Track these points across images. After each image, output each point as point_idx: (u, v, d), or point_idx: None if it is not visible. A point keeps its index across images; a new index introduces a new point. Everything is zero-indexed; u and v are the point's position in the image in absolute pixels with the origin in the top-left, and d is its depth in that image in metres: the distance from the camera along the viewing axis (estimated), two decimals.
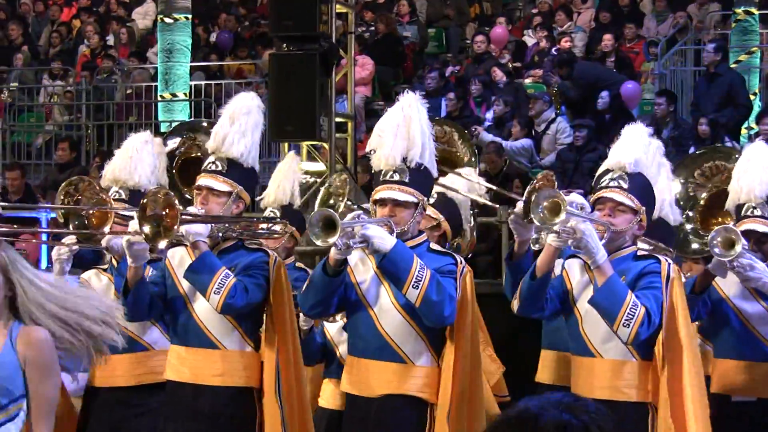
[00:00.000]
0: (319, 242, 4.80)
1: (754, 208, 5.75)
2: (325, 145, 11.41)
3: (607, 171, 5.15)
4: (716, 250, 5.37)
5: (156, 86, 15.75)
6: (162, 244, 5.10)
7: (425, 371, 5.14)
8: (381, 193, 5.20)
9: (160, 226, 5.06)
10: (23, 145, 16.27)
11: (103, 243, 5.76)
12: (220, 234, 5.46)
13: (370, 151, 5.35)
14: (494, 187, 7.33)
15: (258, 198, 7.17)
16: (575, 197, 4.93)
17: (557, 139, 13.31)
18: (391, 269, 4.99)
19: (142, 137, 6.27)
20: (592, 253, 4.84)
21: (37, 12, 19.82)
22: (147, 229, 5.06)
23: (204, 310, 5.40)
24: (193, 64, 15.90)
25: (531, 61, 15.41)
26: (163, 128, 15.01)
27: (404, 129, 5.26)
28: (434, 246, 5.34)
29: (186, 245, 5.46)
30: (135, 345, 5.88)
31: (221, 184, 5.49)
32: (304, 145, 11.47)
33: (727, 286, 5.72)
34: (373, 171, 5.38)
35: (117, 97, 16.68)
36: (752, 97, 13.74)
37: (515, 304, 5.07)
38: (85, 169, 13.48)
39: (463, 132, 8.16)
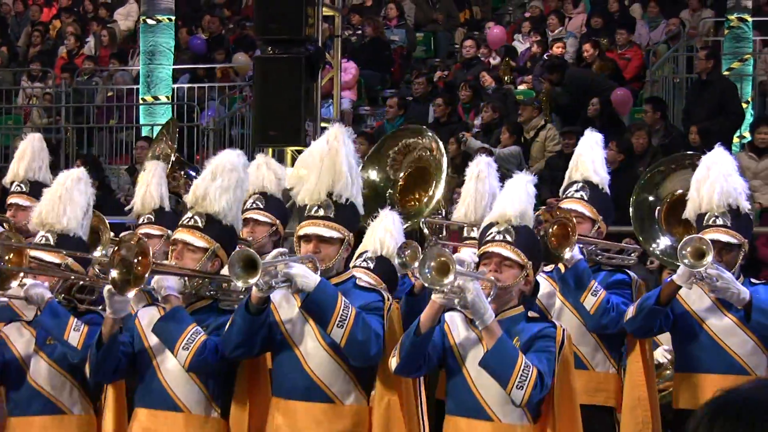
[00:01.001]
0: (240, 283, 4.65)
1: (717, 217, 5.67)
2: None
3: (491, 224, 4.97)
4: (686, 261, 5.33)
5: (138, 89, 15.49)
6: (131, 293, 4.88)
7: (355, 409, 5.04)
8: (305, 228, 5.06)
9: (130, 273, 4.82)
10: (0, 148, 16.01)
11: (22, 293, 5.38)
12: (194, 292, 5.21)
13: (291, 188, 5.21)
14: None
15: (127, 208, 7.03)
16: (464, 255, 4.74)
17: (546, 146, 13.10)
18: (314, 309, 4.87)
19: (75, 174, 5.81)
20: (480, 313, 4.68)
21: (17, 12, 19.52)
22: (116, 274, 4.82)
23: (170, 370, 5.14)
24: (175, 67, 15.64)
25: (523, 66, 15.21)
26: (145, 132, 14.78)
27: (330, 162, 5.09)
28: (361, 282, 5.22)
29: (158, 306, 5.23)
30: (50, 407, 5.47)
31: (198, 240, 5.21)
32: (289, 150, 11.25)
33: (692, 298, 5.67)
34: (297, 206, 5.25)
35: (97, 99, 16.41)
36: (744, 106, 13.56)
37: (393, 362, 4.84)
38: None
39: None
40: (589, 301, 5.70)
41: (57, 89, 16.69)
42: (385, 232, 6.36)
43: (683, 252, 5.34)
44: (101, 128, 15.85)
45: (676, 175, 6.51)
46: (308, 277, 4.81)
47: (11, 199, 7.17)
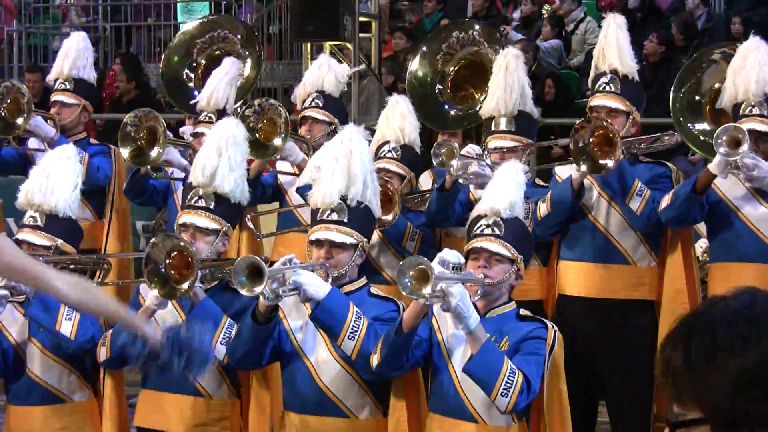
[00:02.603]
0: (244, 292, 4.44)
1: (753, 106, 5.62)
2: (349, 46, 11.15)
3: (479, 217, 4.75)
4: (721, 150, 5.30)
5: None
6: (185, 285, 4.84)
7: (370, 424, 4.83)
8: (317, 233, 4.82)
9: (168, 283, 4.83)
10: (40, 48, 16.04)
11: (5, 282, 5.06)
12: (209, 278, 5.13)
13: (306, 185, 5.01)
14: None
15: (193, 101, 7.01)
16: (447, 255, 4.50)
17: (586, 39, 12.99)
18: (324, 319, 4.63)
19: (65, 152, 5.52)
20: (464, 317, 4.38)
21: None
22: (158, 292, 4.88)
23: None
24: None
25: None
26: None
27: (344, 164, 4.86)
28: (375, 290, 4.98)
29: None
30: (49, 397, 5.32)
31: (211, 223, 5.14)
32: (327, 45, 11.21)
33: (726, 186, 5.63)
34: (310, 208, 5.01)
35: None
36: None
37: (374, 360, 4.59)
38: (103, 72, 13.26)
39: (493, 34, 7.68)
40: (635, 202, 5.64)
41: None
42: (402, 118, 6.27)
43: (719, 141, 5.30)
44: (139, 26, 15.83)
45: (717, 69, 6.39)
46: (318, 286, 4.59)
47: (55, 97, 7.22)
